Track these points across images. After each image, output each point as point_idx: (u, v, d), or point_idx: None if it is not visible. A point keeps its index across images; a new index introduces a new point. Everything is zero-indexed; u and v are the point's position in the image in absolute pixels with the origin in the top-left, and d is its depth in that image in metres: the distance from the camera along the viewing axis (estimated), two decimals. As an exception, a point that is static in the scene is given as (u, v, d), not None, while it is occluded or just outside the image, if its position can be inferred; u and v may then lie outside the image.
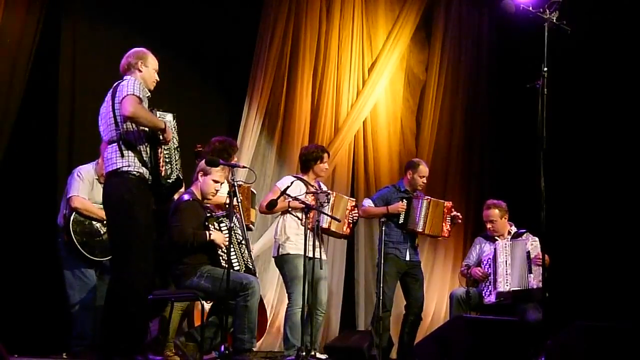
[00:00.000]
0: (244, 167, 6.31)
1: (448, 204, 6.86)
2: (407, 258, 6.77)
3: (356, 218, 6.48)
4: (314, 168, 6.34)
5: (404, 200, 6.73)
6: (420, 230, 6.74)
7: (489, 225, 6.82)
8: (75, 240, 5.72)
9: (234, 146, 6.16)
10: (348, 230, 6.41)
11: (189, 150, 5.50)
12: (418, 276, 6.86)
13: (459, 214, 6.86)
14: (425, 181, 6.95)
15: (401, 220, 6.71)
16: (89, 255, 5.75)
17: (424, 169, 6.91)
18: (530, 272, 6.39)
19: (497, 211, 6.78)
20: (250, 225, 6.25)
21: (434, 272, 8.78)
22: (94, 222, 5.77)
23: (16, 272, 6.47)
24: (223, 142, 6.06)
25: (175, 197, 5.59)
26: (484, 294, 6.56)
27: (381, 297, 6.39)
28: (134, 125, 4.73)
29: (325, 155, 6.40)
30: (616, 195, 8.14)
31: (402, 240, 6.76)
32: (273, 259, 6.40)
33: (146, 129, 4.75)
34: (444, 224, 6.77)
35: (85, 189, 5.80)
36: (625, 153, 8.15)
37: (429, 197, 6.83)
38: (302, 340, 5.79)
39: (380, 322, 6.37)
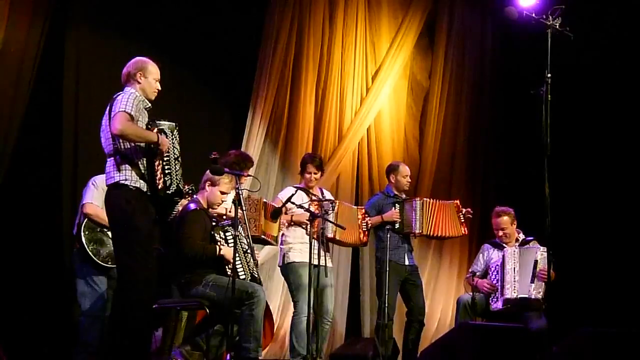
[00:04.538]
0: (248, 175, 6.32)
1: (456, 202, 6.90)
2: (407, 262, 6.76)
3: (370, 225, 6.52)
4: (304, 176, 6.39)
5: (396, 205, 6.73)
6: (418, 232, 6.74)
7: (500, 234, 6.76)
8: (86, 247, 5.72)
9: (248, 161, 6.13)
10: (365, 238, 6.52)
11: (192, 159, 5.49)
12: (417, 281, 6.85)
13: (469, 209, 6.89)
14: (409, 180, 6.96)
15: (397, 225, 6.71)
16: (99, 262, 5.74)
17: (404, 169, 6.92)
18: (532, 282, 6.35)
19: (507, 218, 6.75)
20: (272, 241, 6.15)
21: (440, 278, 8.77)
22: (105, 230, 5.77)
23: (20, 281, 6.48)
24: (238, 155, 6.07)
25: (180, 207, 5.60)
26: (490, 300, 6.53)
27: (384, 306, 6.39)
28: None
29: (309, 165, 6.37)
30: (621, 200, 8.13)
31: (399, 245, 6.75)
32: (279, 268, 6.39)
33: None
34: (460, 223, 6.81)
35: (99, 197, 5.76)
36: (629, 158, 8.14)
37: (421, 198, 6.86)
38: (308, 349, 5.78)
39: (384, 331, 6.35)
